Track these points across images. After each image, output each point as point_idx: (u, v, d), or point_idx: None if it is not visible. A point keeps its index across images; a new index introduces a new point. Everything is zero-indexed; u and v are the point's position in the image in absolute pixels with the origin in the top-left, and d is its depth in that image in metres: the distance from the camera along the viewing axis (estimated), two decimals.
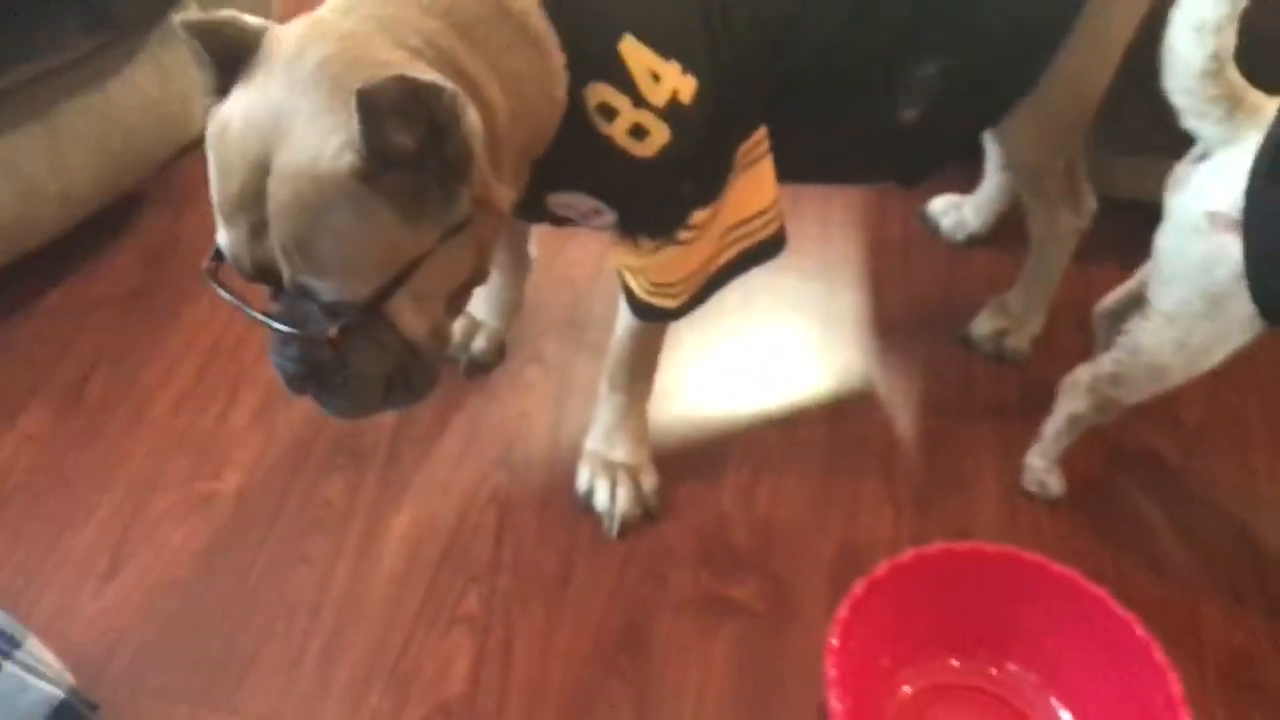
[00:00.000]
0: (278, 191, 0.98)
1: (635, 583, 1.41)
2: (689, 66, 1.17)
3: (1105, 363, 1.39)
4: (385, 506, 1.49)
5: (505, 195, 1.12)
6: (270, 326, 1.06)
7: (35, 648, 1.15)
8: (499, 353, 1.68)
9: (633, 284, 1.37)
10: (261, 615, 1.37)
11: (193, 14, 1.01)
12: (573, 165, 1.20)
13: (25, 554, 1.42)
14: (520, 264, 1.64)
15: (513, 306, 1.68)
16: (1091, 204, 1.60)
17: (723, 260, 1.36)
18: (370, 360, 1.09)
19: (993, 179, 1.83)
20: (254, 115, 0.99)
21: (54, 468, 1.52)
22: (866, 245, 1.89)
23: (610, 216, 1.27)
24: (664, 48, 1.15)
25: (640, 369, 1.47)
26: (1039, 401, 1.55)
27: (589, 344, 1.70)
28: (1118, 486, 1.54)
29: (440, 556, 1.43)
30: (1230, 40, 1.17)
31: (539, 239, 1.66)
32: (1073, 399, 1.44)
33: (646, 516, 1.48)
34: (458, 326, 1.65)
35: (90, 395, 1.61)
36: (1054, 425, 1.47)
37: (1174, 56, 1.20)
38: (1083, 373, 1.42)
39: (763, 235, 1.36)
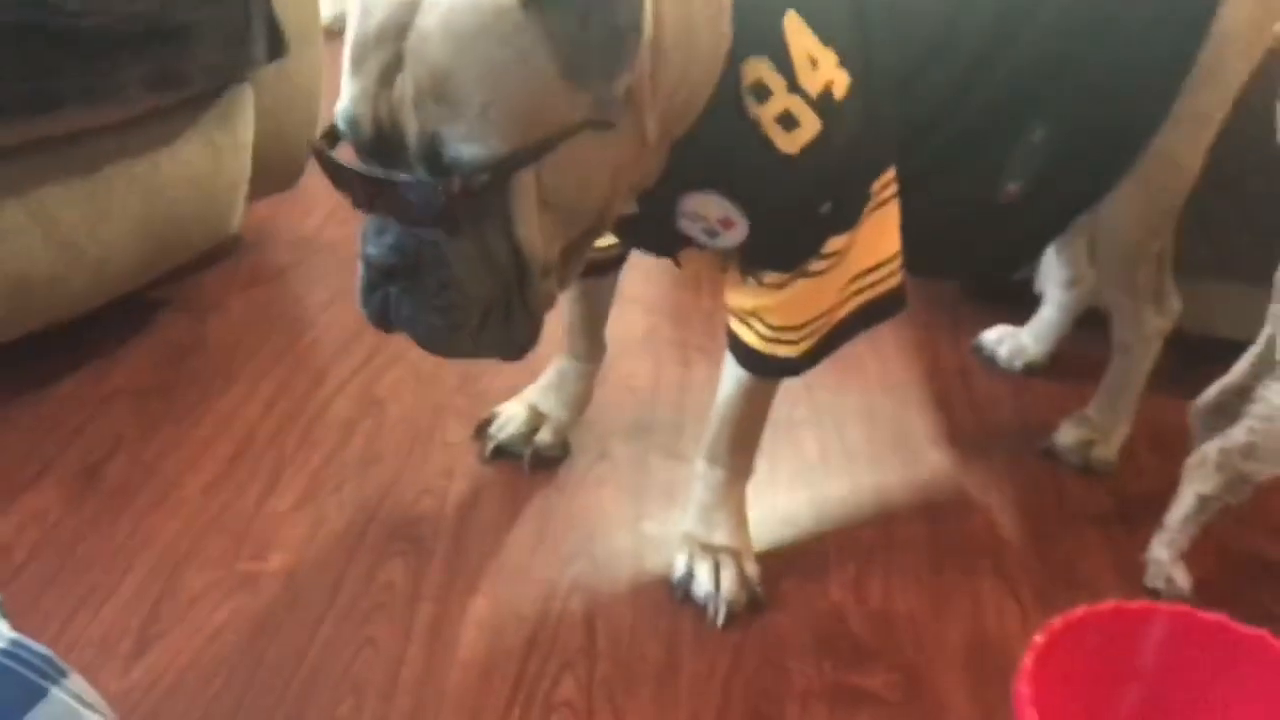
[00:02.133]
0: (423, 22, 0.91)
1: (753, 672, 1.24)
2: (844, 60, 1.13)
3: (1237, 433, 1.32)
4: (456, 592, 1.30)
5: (652, 129, 1.04)
6: (379, 180, 0.94)
7: (80, 682, 0.93)
8: (564, 447, 1.54)
9: (746, 334, 1.28)
10: (324, 696, 1.15)
11: None
12: (713, 156, 1.13)
13: (35, 632, 1.18)
14: (595, 349, 1.53)
15: (580, 399, 1.55)
16: (1176, 304, 1.58)
17: (845, 311, 1.28)
18: (474, 267, 0.98)
19: (1054, 302, 1.81)
20: None
21: (66, 549, 1.30)
22: (925, 370, 1.83)
23: (740, 231, 1.18)
24: (824, 33, 1.11)
25: (743, 440, 1.35)
26: (1136, 513, 1.47)
27: (658, 445, 1.58)
28: (1240, 590, 1.43)
29: (526, 644, 1.24)
30: None
31: None
32: (1201, 479, 1.34)
33: (752, 604, 1.32)
34: (522, 418, 1.53)
35: (106, 479, 1.41)
36: (1180, 511, 1.37)
37: None
38: (1211, 449, 1.34)
39: (886, 287, 1.30)
